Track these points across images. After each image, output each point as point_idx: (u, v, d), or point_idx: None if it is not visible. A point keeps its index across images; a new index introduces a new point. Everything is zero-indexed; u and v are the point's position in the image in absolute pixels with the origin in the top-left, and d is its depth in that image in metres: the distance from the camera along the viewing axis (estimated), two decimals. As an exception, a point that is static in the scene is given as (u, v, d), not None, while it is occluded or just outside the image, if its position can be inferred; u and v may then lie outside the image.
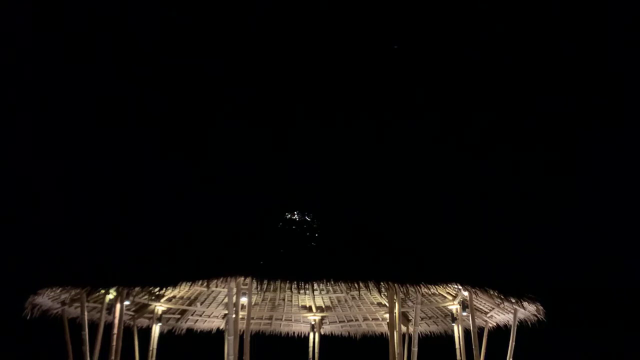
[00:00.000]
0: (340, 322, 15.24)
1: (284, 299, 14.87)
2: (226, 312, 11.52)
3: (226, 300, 11.26)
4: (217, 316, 14.62)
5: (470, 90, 19.04)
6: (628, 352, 16.10)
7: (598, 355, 16.54)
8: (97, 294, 10.00)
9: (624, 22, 17.34)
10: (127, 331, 11.82)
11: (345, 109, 18.43)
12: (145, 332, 13.13)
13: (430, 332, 13.91)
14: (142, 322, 13.32)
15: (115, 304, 10.28)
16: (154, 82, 18.25)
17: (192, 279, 8.51)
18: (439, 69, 18.94)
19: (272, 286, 8.71)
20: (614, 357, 16.43)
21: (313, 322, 14.99)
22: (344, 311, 14.92)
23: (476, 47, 18.41)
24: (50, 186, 17.22)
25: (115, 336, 10.14)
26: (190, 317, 14.36)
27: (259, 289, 9.00)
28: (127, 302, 11.16)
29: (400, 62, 18.84)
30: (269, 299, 14.79)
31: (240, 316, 8.98)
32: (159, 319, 12.94)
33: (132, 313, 12.80)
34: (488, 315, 11.91)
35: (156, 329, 12.91)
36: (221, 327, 14.49)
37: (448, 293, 11.71)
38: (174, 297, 13.28)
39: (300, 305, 14.99)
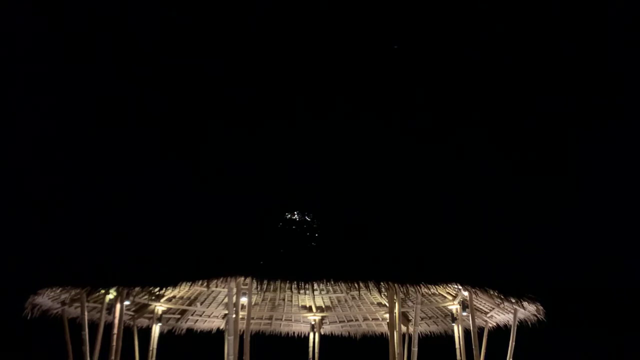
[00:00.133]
0: (340, 322, 15.25)
1: (284, 299, 14.88)
2: (226, 312, 11.52)
3: (226, 300, 11.26)
4: (217, 316, 14.63)
5: (470, 90, 19.04)
6: (628, 352, 16.10)
7: (598, 355, 16.54)
8: (97, 294, 10.01)
9: (624, 22, 17.34)
10: (127, 331, 11.82)
11: (346, 109, 18.43)
12: (145, 332, 13.14)
13: (430, 332, 13.92)
14: (142, 322, 13.32)
15: (115, 304, 10.28)
16: (154, 82, 18.24)
17: (192, 279, 8.52)
18: (439, 69, 18.94)
19: (272, 286, 8.71)
20: (614, 357, 16.43)
21: (313, 322, 14.99)
22: (344, 311, 14.93)
23: (476, 47, 18.41)
24: (50, 186, 17.22)
25: (115, 336, 10.15)
26: (190, 317, 14.37)
27: (259, 289, 9.00)
28: (127, 302, 11.17)
29: (400, 62, 18.84)
30: (269, 299, 14.79)
31: (240, 316, 8.99)
32: (159, 319, 12.94)
33: (132, 313, 12.80)
34: (488, 315, 11.91)
35: (156, 329, 12.91)
36: (221, 327, 14.49)
37: (448, 293, 11.72)
38: (174, 297, 13.28)
39: (300, 305, 15.00)
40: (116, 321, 10.25)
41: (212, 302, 14.17)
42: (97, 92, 18.06)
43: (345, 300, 14.64)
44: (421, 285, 8.66)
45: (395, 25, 18.53)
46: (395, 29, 18.61)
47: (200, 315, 14.48)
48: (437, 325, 13.74)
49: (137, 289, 9.38)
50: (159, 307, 12.90)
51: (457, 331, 11.45)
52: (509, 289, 9.58)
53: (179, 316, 14.13)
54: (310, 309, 14.94)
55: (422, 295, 9.93)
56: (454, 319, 11.66)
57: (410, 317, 12.47)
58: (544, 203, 18.89)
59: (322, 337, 15.06)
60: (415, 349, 9.15)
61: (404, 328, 12.50)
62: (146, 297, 12.44)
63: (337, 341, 15.37)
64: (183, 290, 12.59)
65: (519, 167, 19.36)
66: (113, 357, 10.03)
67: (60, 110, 17.79)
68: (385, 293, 9.53)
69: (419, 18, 18.29)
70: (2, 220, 15.78)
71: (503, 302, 9.86)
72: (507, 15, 17.89)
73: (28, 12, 16.64)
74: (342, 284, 8.85)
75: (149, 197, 16.74)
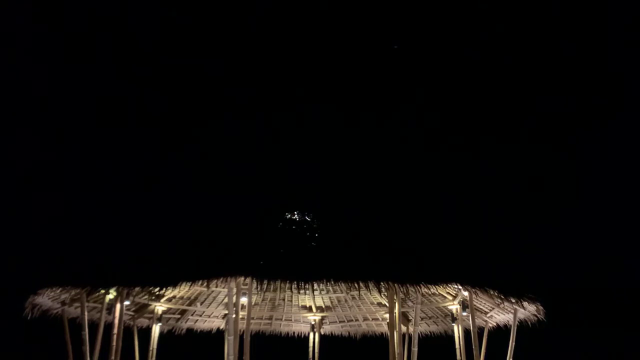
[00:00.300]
0: (340, 322, 15.24)
1: (284, 299, 14.87)
2: (226, 312, 11.52)
3: (226, 300, 11.26)
4: (217, 316, 14.62)
5: (470, 90, 19.04)
6: (628, 352, 16.10)
7: (598, 355, 16.54)
8: (97, 294, 10.00)
9: (624, 22, 17.34)
10: (127, 331, 11.82)
11: (345, 109, 18.44)
12: (145, 332, 13.13)
13: (430, 332, 13.91)
14: (142, 322, 13.32)
15: (115, 304, 10.28)
16: (154, 82, 18.25)
17: (192, 279, 8.51)
18: (439, 69, 18.95)
19: (272, 286, 8.71)
20: (614, 357, 16.43)
21: (313, 322, 14.99)
22: (344, 311, 14.92)
23: (476, 47, 18.41)
24: (51, 186, 17.23)
25: (115, 336, 10.15)
26: (190, 317, 14.36)
27: (259, 289, 9.00)
28: (127, 302, 11.16)
29: (400, 62, 18.84)
30: (269, 299, 14.79)
31: (240, 316, 8.99)
32: (159, 319, 12.93)
33: (132, 313, 12.80)
34: (488, 315, 11.91)
35: (156, 329, 12.91)
36: (221, 327, 14.49)
37: (448, 293, 11.71)
38: (174, 297, 13.28)
39: (300, 305, 14.99)
40: (116, 321, 10.24)
41: (212, 302, 14.16)
42: (97, 92, 18.06)
43: (345, 300, 14.63)
44: (421, 285, 8.66)
45: (395, 25, 18.54)
46: (395, 29, 18.61)
47: (200, 315, 14.47)
48: (437, 325, 13.73)
49: (137, 289, 9.37)
50: (159, 307, 12.89)
51: (457, 331, 11.44)
52: (509, 289, 9.57)
53: (179, 316, 14.13)
54: (310, 309, 14.94)
55: (422, 295, 9.92)
56: (454, 319, 11.65)
57: (410, 317, 12.46)
58: (544, 203, 18.90)
59: (322, 337, 15.06)
60: (415, 349, 9.14)
61: (404, 328, 12.50)
62: (146, 297, 12.44)
63: (337, 341, 15.36)
64: (183, 290, 12.58)
65: (519, 167, 19.36)
66: (113, 357, 10.03)
67: (60, 110, 17.80)
68: (385, 293, 9.53)
69: (419, 18, 18.30)
70: (2, 220, 15.78)
71: (503, 302, 9.85)
72: (507, 15, 17.89)
73: (28, 12, 16.64)
74: (342, 284, 8.85)
75: (149, 197, 16.75)
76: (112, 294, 10.12)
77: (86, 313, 9.69)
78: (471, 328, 9.75)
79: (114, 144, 18.28)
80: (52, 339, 10.80)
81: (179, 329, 14.27)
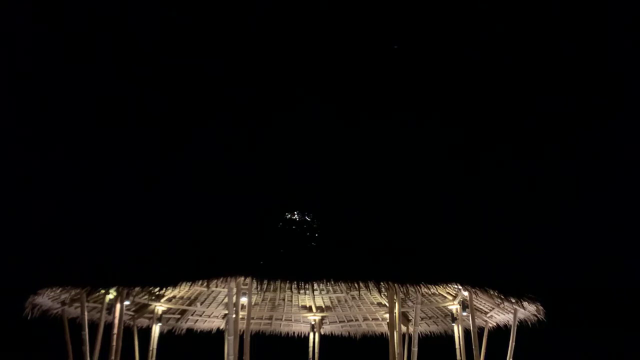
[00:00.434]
0: (340, 322, 15.25)
1: (284, 299, 14.88)
2: (226, 312, 11.52)
3: (226, 300, 11.26)
4: (217, 316, 14.63)
5: (470, 90, 19.04)
6: (628, 352, 16.10)
7: (598, 355, 16.54)
8: (97, 294, 10.01)
9: (624, 22, 17.34)
10: (127, 331, 11.82)
11: (345, 108, 18.43)
12: (145, 332, 13.14)
13: (430, 332, 13.92)
14: (142, 322, 13.32)
15: (115, 304, 10.28)
16: (154, 82, 18.24)
17: (192, 279, 8.52)
18: (438, 69, 18.94)
19: (272, 286, 8.71)
20: (614, 357, 16.43)
21: (313, 322, 14.99)
22: (344, 311, 14.92)
23: (476, 47, 18.40)
24: (51, 186, 17.22)
25: (115, 336, 10.15)
26: (190, 317, 14.37)
27: (259, 289, 9.01)
28: (127, 302, 11.16)
29: (400, 62, 18.83)
30: (269, 299, 14.79)
31: (240, 316, 8.99)
32: (159, 319, 12.94)
33: (132, 313, 12.80)
34: (488, 315, 11.91)
35: (156, 329, 12.91)
36: (221, 327, 14.49)
37: (448, 293, 11.72)
38: (174, 297, 13.28)
39: (300, 305, 15.00)
40: (116, 321, 10.25)
41: (212, 302, 14.16)
42: (97, 92, 18.06)
43: (345, 300, 14.64)
44: (421, 285, 8.66)
45: (395, 25, 18.54)
46: (395, 29, 18.61)
47: (200, 315, 14.48)
48: (437, 325, 13.73)
49: (137, 289, 9.38)
50: (159, 307, 12.90)
51: (457, 331, 11.45)
52: (509, 289, 9.58)
53: (179, 316, 14.13)
54: (310, 309, 14.94)
55: (422, 295, 9.92)
56: (454, 319, 11.66)
57: (410, 317, 12.47)
58: (544, 203, 18.90)
59: (322, 337, 15.06)
60: (415, 349, 9.14)
61: (404, 328, 12.50)
62: (146, 297, 12.44)
63: (337, 341, 15.37)
64: (183, 290, 12.59)
65: (519, 167, 19.36)
66: (113, 357, 10.03)
67: (60, 110, 17.80)
68: (385, 293, 9.53)
69: (419, 18, 18.29)
70: (2, 220, 15.77)
71: (503, 302, 9.86)
72: (507, 15, 17.89)
73: (28, 12, 16.64)
74: (342, 284, 8.85)
75: (149, 197, 16.75)
76: (112, 294, 10.13)
77: (86, 313, 9.70)
78: (471, 328, 9.75)
79: (114, 144, 18.28)
80: (52, 339, 10.80)
81: (179, 329, 14.28)
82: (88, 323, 9.78)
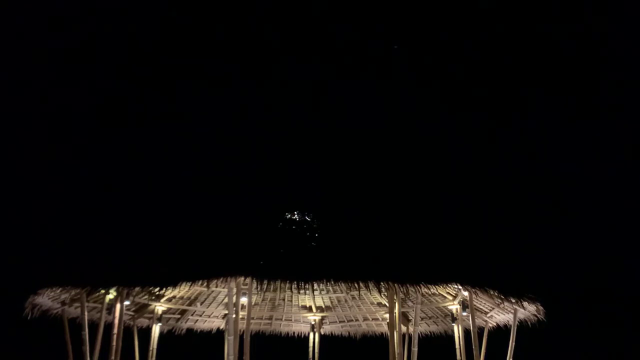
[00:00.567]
0: (340, 322, 15.25)
1: (284, 299, 14.88)
2: (226, 312, 11.52)
3: (226, 300, 11.26)
4: (217, 316, 14.63)
5: (470, 90, 19.04)
6: (628, 352, 16.10)
7: (598, 355, 16.54)
8: (97, 294, 10.01)
9: (624, 22, 17.34)
10: (127, 331, 11.82)
11: (345, 108, 18.44)
12: (145, 332, 13.14)
13: (430, 332, 13.92)
14: (142, 322, 13.32)
15: (115, 304, 10.28)
16: (154, 82, 18.24)
17: (192, 279, 8.52)
18: (438, 69, 18.94)
19: (272, 286, 8.71)
20: (614, 357, 16.43)
21: (313, 322, 14.99)
22: (344, 311, 14.93)
23: (476, 47, 18.41)
24: (51, 186, 17.22)
25: (115, 336, 10.15)
26: (190, 317, 14.37)
27: (259, 289, 9.00)
28: (127, 302, 11.17)
29: (400, 62, 18.84)
30: (269, 299, 14.79)
31: (240, 316, 8.99)
32: (159, 319, 12.94)
33: (132, 313, 12.80)
34: (488, 315, 11.91)
35: (156, 329, 12.91)
36: (221, 327, 14.49)
37: (448, 293, 11.72)
38: (174, 297, 13.28)
39: (300, 305, 15.00)
40: (116, 321, 10.25)
41: (212, 302, 14.16)
42: (97, 92, 18.06)
43: (345, 300, 14.64)
44: (421, 285, 8.66)
45: (395, 25, 18.54)
46: (395, 29, 18.61)
47: (200, 315, 14.48)
48: (437, 325, 13.73)
49: (137, 289, 9.38)
50: (159, 307, 12.90)
51: (457, 331, 11.45)
52: (509, 289, 9.57)
53: (179, 316, 14.13)
54: (310, 309, 14.94)
55: (422, 295, 9.92)
56: (454, 319, 11.66)
57: (410, 317, 12.47)
58: (544, 203, 18.90)
59: (322, 337, 15.06)
60: (415, 349, 9.15)
61: (404, 328, 12.50)
62: (146, 297, 12.44)
63: (337, 341, 15.37)
64: (183, 290, 12.59)
65: (519, 167, 19.36)
66: (113, 357, 10.03)
67: (60, 111, 17.80)
68: (385, 293, 9.53)
69: (419, 18, 18.30)
70: (2, 220, 15.78)
71: (503, 302, 9.86)
72: (507, 15, 17.89)
73: (28, 12, 16.64)
74: (342, 284, 8.85)
75: (149, 197, 16.75)
76: (112, 294, 10.13)
77: (86, 313, 9.70)
78: (471, 328, 9.75)
79: (114, 143, 18.29)
80: (52, 339, 10.80)
81: (179, 329, 14.28)
82: (88, 323, 9.78)
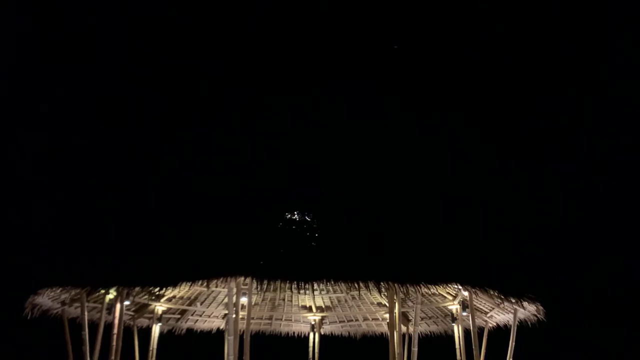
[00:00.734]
0: (340, 322, 15.25)
1: (284, 299, 14.88)
2: (226, 312, 11.52)
3: (226, 300, 11.26)
4: (217, 316, 14.63)
5: (471, 90, 19.04)
6: (628, 352, 16.10)
7: (598, 355, 16.54)
8: (97, 294, 10.01)
9: (624, 22, 17.34)
10: (127, 331, 11.82)
11: (346, 108, 18.44)
12: (145, 332, 13.14)
13: (430, 332, 13.92)
14: (142, 322, 13.32)
15: (115, 304, 10.28)
16: (154, 82, 18.24)
17: (192, 279, 8.52)
18: (438, 69, 18.94)
19: (272, 286, 8.71)
20: (614, 357, 16.43)
21: (313, 322, 14.99)
22: (344, 311, 14.92)
23: (476, 47, 18.41)
24: (51, 186, 17.22)
25: (115, 336, 10.15)
26: (190, 317, 14.37)
27: (259, 289, 9.00)
28: (127, 302, 11.17)
29: (400, 62, 18.84)
30: (269, 299, 14.79)
31: (240, 316, 8.99)
32: (159, 319, 12.94)
33: (132, 313, 12.80)
34: (488, 315, 11.91)
35: (156, 329, 12.91)
36: (221, 327, 14.49)
37: (448, 293, 11.72)
38: (174, 297, 13.28)
39: (300, 305, 15.00)
40: (116, 321, 10.25)
41: (212, 302, 14.16)
42: (97, 92, 18.06)
43: (345, 300, 14.64)
44: (421, 285, 8.67)
45: (395, 25, 18.54)
46: (395, 29, 18.61)
47: (200, 315, 14.48)
48: (437, 325, 13.74)
49: (137, 289, 9.38)
50: (159, 307, 12.90)
51: (457, 331, 11.45)
52: (509, 289, 9.57)
53: (179, 316, 14.13)
54: (310, 309, 14.94)
55: (422, 295, 9.92)
56: (454, 319, 11.66)
57: (410, 317, 12.46)
58: (544, 203, 18.90)
59: (322, 337, 15.06)
60: (415, 349, 9.15)
61: (404, 328, 12.50)
62: (146, 297, 12.44)
63: (337, 341, 15.37)
64: (183, 290, 12.59)
65: (519, 167, 19.36)
66: (113, 357, 10.04)
67: (60, 111, 17.80)
68: (385, 293, 9.53)
69: (419, 18, 18.29)
70: (2, 220, 15.77)
71: (503, 302, 9.86)
72: (507, 15, 17.89)
73: (28, 12, 16.64)
74: (342, 284, 8.85)
75: (149, 197, 16.75)
76: (112, 294, 10.13)
77: (86, 313, 9.70)
78: (471, 328, 9.75)
79: (113, 143, 18.29)
80: (52, 339, 10.80)
81: (179, 329, 14.28)
82: (88, 323, 9.78)
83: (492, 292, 9.29)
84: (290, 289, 8.30)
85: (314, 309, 14.88)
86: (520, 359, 10.96)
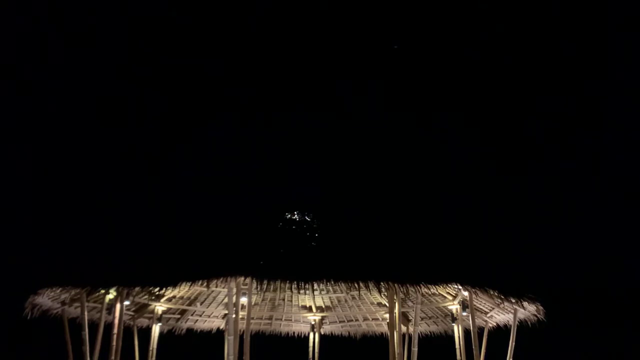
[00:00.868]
0: (340, 322, 15.25)
1: (284, 299, 14.88)
2: (226, 312, 11.52)
3: (226, 300, 11.26)
4: (217, 316, 14.63)
5: (471, 90, 19.04)
6: (628, 352, 16.10)
7: (598, 355, 16.54)
8: (97, 294, 10.01)
9: (624, 22, 17.34)
10: (127, 331, 11.82)
11: (346, 108, 18.43)
12: (145, 332, 13.14)
13: (430, 332, 13.92)
14: (142, 322, 13.32)
15: (115, 304, 10.28)
16: (154, 82, 18.24)
17: (192, 279, 8.52)
18: (439, 69, 18.94)
19: (272, 286, 8.71)
20: (614, 357, 16.43)
21: (313, 322, 14.99)
22: (344, 311, 14.92)
23: (476, 47, 18.40)
24: (51, 186, 17.22)
25: (115, 336, 10.15)
26: (190, 317, 14.37)
27: (259, 289, 9.00)
28: (127, 302, 11.17)
29: (400, 62, 18.83)
30: (269, 299, 14.79)
31: (240, 316, 8.99)
32: (159, 319, 12.94)
33: (132, 313, 12.81)
34: (488, 315, 11.91)
35: (156, 329, 12.91)
36: (221, 327, 14.50)
37: (448, 293, 11.72)
38: (174, 297, 13.28)
39: (300, 305, 15.00)
40: (116, 321, 10.25)
41: (212, 302, 14.16)
42: (97, 91, 18.06)
43: (345, 300, 14.64)
44: (421, 285, 8.67)
45: (395, 25, 18.54)
46: (395, 29, 18.61)
47: (200, 315, 14.48)
48: (437, 325, 13.74)
49: (137, 289, 9.38)
50: (159, 307, 12.90)
51: (457, 331, 11.45)
52: (509, 289, 9.57)
53: (179, 316, 14.13)
54: (310, 309, 14.94)
55: (422, 295, 9.92)
56: (454, 319, 11.66)
57: (410, 317, 12.46)
58: (544, 203, 18.90)
59: (322, 337, 15.06)
60: (415, 349, 9.15)
61: (404, 328, 12.50)
62: (146, 297, 12.44)
63: (337, 341, 15.37)
64: (183, 290, 12.59)
65: (519, 167, 19.35)
66: (113, 357, 10.04)
67: (60, 111, 17.80)
68: (385, 293, 9.53)
69: (419, 18, 18.29)
70: (2, 220, 15.77)
71: (503, 302, 9.86)
72: (507, 15, 17.89)
73: (28, 12, 16.64)
74: (342, 284, 8.85)
75: (149, 197, 16.75)
76: (112, 294, 10.13)
77: (86, 313, 9.70)
78: (471, 328, 9.75)
79: (114, 143, 18.29)
80: (52, 339, 10.80)
81: (179, 329, 14.28)
82: (88, 323, 9.78)
83: (492, 292, 9.29)
84: (290, 289, 8.30)
85: (314, 309, 14.88)
86: (520, 359, 10.96)
